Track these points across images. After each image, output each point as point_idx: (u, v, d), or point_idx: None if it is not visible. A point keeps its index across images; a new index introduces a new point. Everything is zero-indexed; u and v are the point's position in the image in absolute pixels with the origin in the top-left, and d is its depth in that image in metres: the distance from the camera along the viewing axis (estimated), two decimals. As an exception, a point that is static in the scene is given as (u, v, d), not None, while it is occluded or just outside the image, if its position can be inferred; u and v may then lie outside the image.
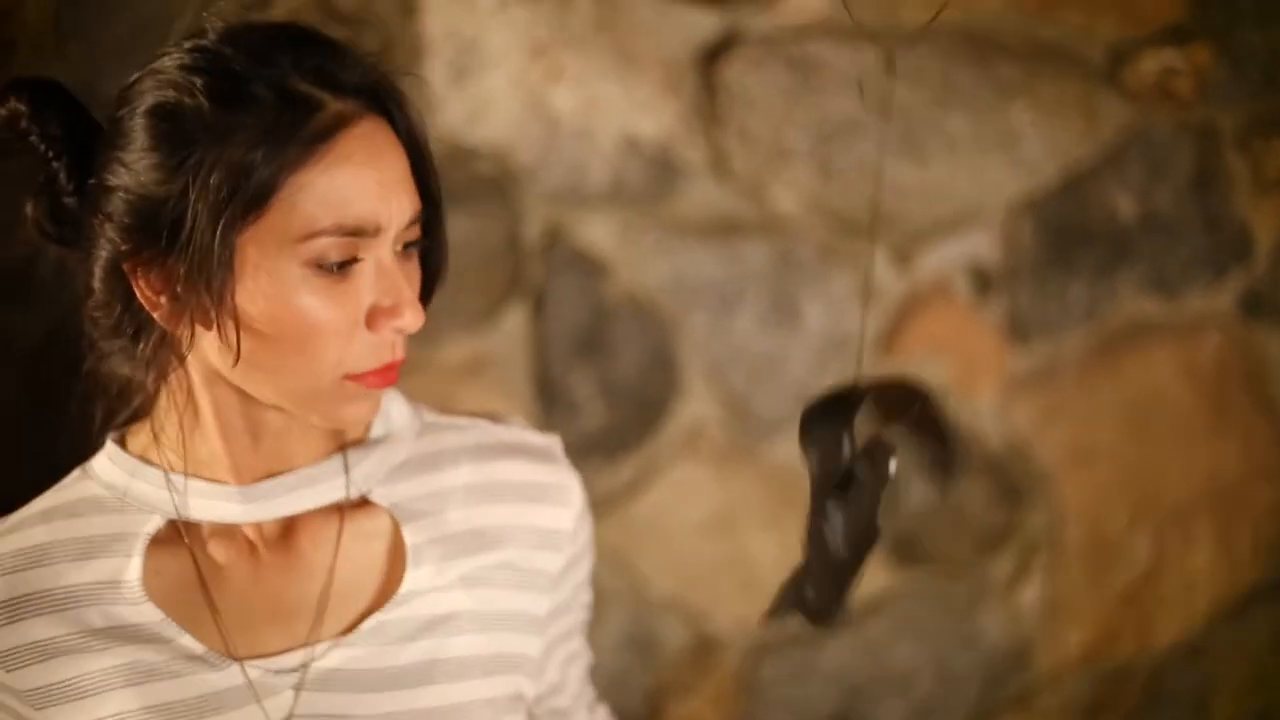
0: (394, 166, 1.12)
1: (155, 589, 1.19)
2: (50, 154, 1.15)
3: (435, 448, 1.27)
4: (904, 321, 2.23)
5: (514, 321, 2.10)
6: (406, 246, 1.15)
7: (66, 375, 1.26)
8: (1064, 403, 2.32)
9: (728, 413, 2.19)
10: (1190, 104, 2.28)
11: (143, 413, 1.24)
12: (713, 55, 2.10)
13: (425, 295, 1.20)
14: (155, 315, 1.13)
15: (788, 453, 2.22)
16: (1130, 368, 2.34)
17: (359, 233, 1.09)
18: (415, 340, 2.03)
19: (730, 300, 2.17)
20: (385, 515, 1.25)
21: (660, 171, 2.11)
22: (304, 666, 1.20)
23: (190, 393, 1.18)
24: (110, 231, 1.11)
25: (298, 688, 1.20)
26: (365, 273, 1.11)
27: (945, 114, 2.18)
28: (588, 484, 2.12)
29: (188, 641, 1.19)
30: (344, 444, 1.24)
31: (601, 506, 2.16)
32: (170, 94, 1.09)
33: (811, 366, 2.20)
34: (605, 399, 2.15)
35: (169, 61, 1.11)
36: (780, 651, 2.27)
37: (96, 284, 1.15)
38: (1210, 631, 2.45)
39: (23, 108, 1.15)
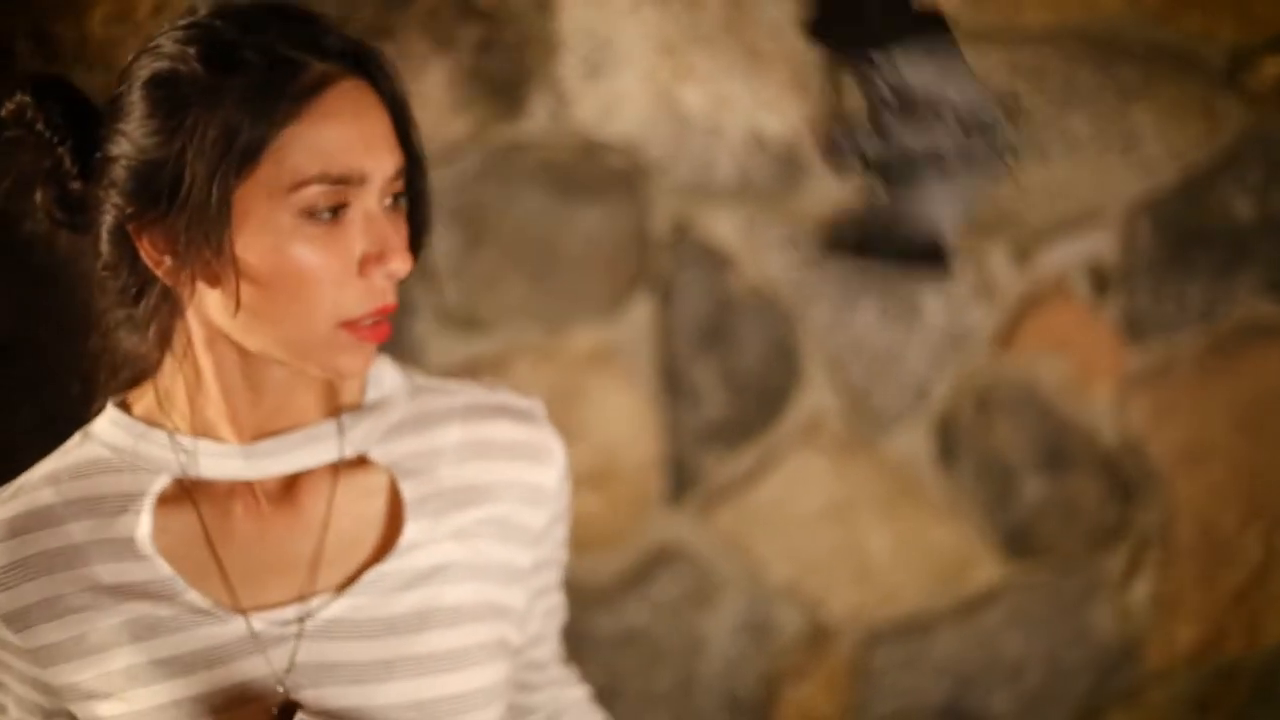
0: (376, 122, 1.19)
1: (163, 546, 1.25)
2: (55, 140, 1.21)
3: (427, 409, 1.34)
4: (1022, 319, 2.27)
5: (641, 312, 2.16)
6: (394, 200, 1.21)
7: (68, 355, 1.33)
8: (1179, 402, 2.34)
9: (847, 404, 2.23)
10: (1310, 108, 2.29)
11: (143, 379, 1.29)
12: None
13: (415, 247, 1.26)
14: (159, 273, 1.19)
15: (905, 445, 2.26)
16: (1245, 368, 2.36)
17: (345, 181, 1.16)
18: (544, 328, 2.11)
19: (852, 294, 2.21)
20: (383, 472, 1.31)
21: (785, 168, 2.15)
22: (305, 617, 1.26)
23: (192, 353, 1.23)
24: (115, 197, 1.18)
25: (299, 636, 1.26)
26: (354, 221, 1.18)
27: (1067, 114, 2.20)
28: (709, 472, 2.20)
29: (194, 596, 1.24)
30: (340, 407, 1.29)
31: (721, 494, 2.21)
32: (165, 64, 1.16)
33: (930, 361, 2.24)
34: (727, 389, 2.20)
35: (164, 38, 1.19)
36: (893, 640, 2.31)
37: (104, 249, 1.21)
38: (1320, 632, 2.46)
39: (28, 99, 1.22)
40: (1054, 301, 2.27)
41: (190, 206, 1.14)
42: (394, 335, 2.03)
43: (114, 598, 1.23)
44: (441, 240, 2.07)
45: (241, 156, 1.14)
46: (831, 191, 2.17)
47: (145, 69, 1.18)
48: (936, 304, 2.23)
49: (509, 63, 2.05)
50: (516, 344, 2.11)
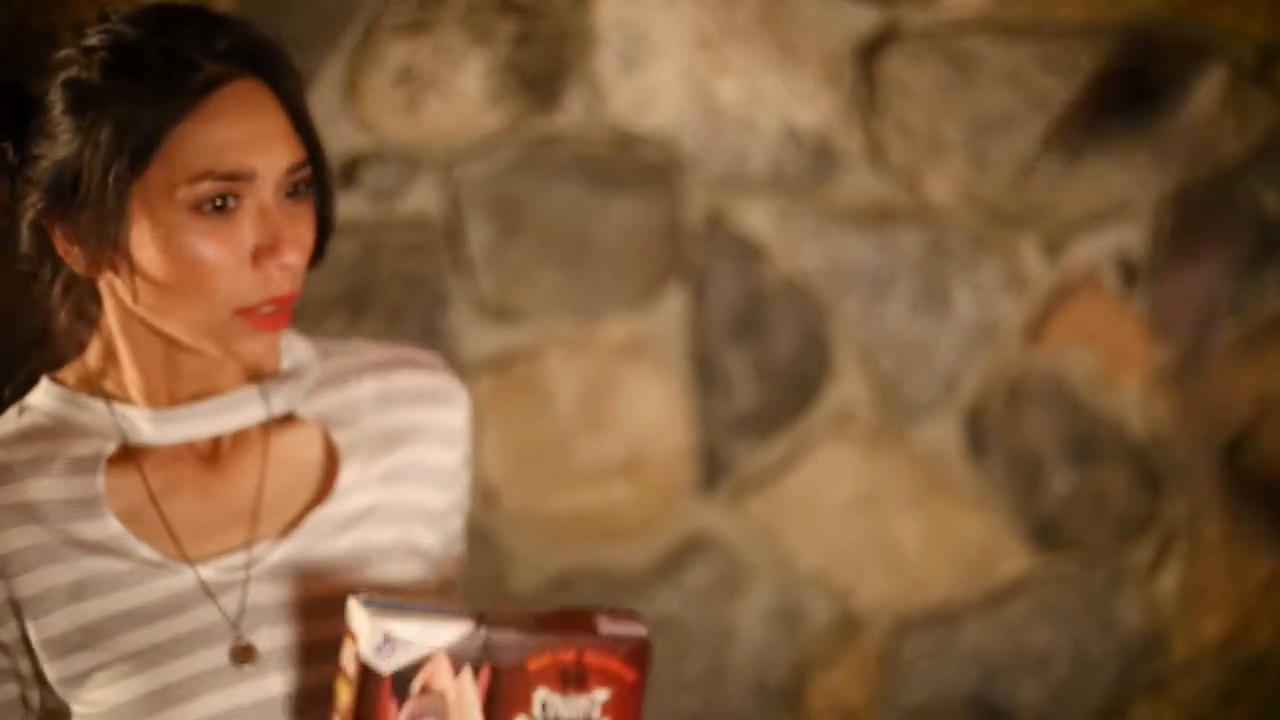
0: (269, 120, 1.24)
1: (114, 507, 1.31)
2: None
3: (340, 368, 1.41)
4: (1052, 311, 2.28)
5: (674, 302, 2.17)
6: (296, 191, 1.26)
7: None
8: (1206, 394, 2.36)
9: (878, 395, 2.25)
10: (1340, 103, 2.30)
11: (72, 356, 1.35)
12: (872, 49, 2.16)
13: (321, 238, 1.31)
14: (70, 263, 1.26)
15: (935, 436, 2.28)
16: (1273, 360, 2.37)
17: (234, 177, 1.21)
18: (578, 318, 2.13)
19: (883, 286, 2.23)
20: (313, 426, 1.38)
21: (819, 160, 2.17)
22: (252, 563, 1.33)
23: (110, 333, 1.31)
24: (31, 192, 1.24)
25: (247, 582, 1.32)
26: (247, 215, 1.23)
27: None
28: (740, 461, 2.21)
29: (145, 551, 1.30)
30: (259, 374, 1.36)
31: (752, 483, 2.23)
32: (74, 69, 1.23)
33: (960, 352, 2.26)
34: (759, 379, 2.22)
35: (80, 41, 1.25)
36: (921, 630, 2.32)
37: (22, 241, 1.28)
38: (1346, 625, 2.47)
39: None
40: (1084, 294, 2.29)
41: (90, 202, 1.21)
42: (430, 325, 2.07)
43: (75, 552, 1.28)
44: (477, 232, 2.09)
45: (134, 154, 1.20)
46: (863, 182, 2.19)
47: (60, 73, 1.24)
48: (967, 296, 2.24)
49: (545, 56, 2.07)
50: (550, 334, 2.13)
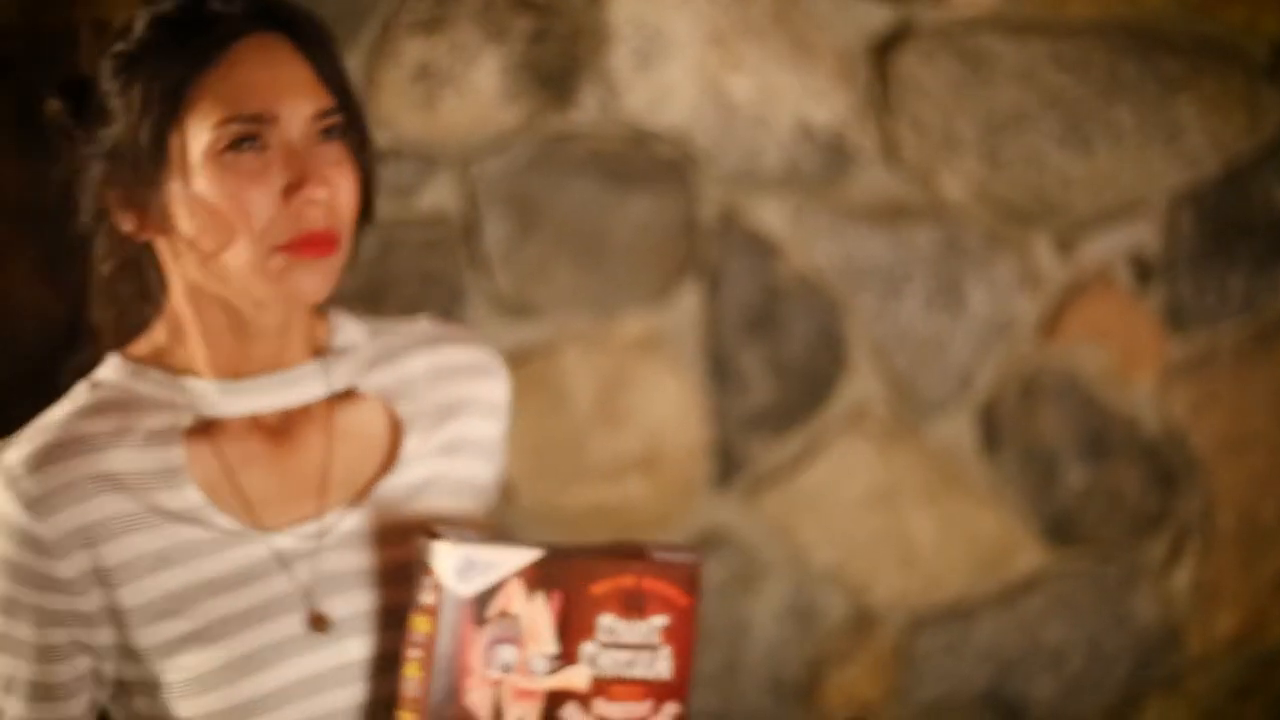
0: (289, 69, 1.30)
1: (194, 476, 1.34)
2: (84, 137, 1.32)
3: (390, 344, 1.45)
4: (1065, 308, 2.29)
5: (689, 299, 2.18)
6: (328, 137, 1.31)
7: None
8: (1220, 391, 2.36)
9: (892, 392, 2.26)
10: (1353, 100, 2.31)
11: (138, 332, 1.38)
12: (886, 47, 2.17)
13: (367, 187, 1.35)
14: (128, 231, 1.31)
15: (949, 432, 2.28)
16: (1287, 357, 2.38)
17: (256, 119, 1.27)
18: (593, 315, 2.14)
19: (897, 283, 2.24)
20: (374, 399, 1.42)
21: (833, 157, 2.19)
22: (324, 533, 1.36)
23: (176, 304, 1.35)
24: (91, 168, 1.31)
25: (319, 551, 1.36)
26: (275, 157, 1.28)
27: (1110, 106, 2.23)
28: (755, 458, 2.22)
29: (225, 521, 1.33)
30: (317, 351, 1.40)
31: (767, 479, 2.24)
32: (120, 44, 1.30)
33: (974, 349, 2.27)
34: (774, 375, 2.23)
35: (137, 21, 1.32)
36: (936, 626, 2.33)
37: (87, 218, 1.33)
38: (1360, 621, 2.48)
39: (57, 103, 1.33)
40: (1097, 291, 2.30)
41: (133, 161, 1.28)
42: (447, 321, 2.08)
43: (160, 520, 1.31)
44: (493, 228, 2.10)
45: (164, 106, 1.27)
46: (877, 180, 2.20)
47: (110, 53, 1.30)
48: (981, 293, 2.25)
49: (560, 53, 2.08)
50: (566, 330, 2.14)
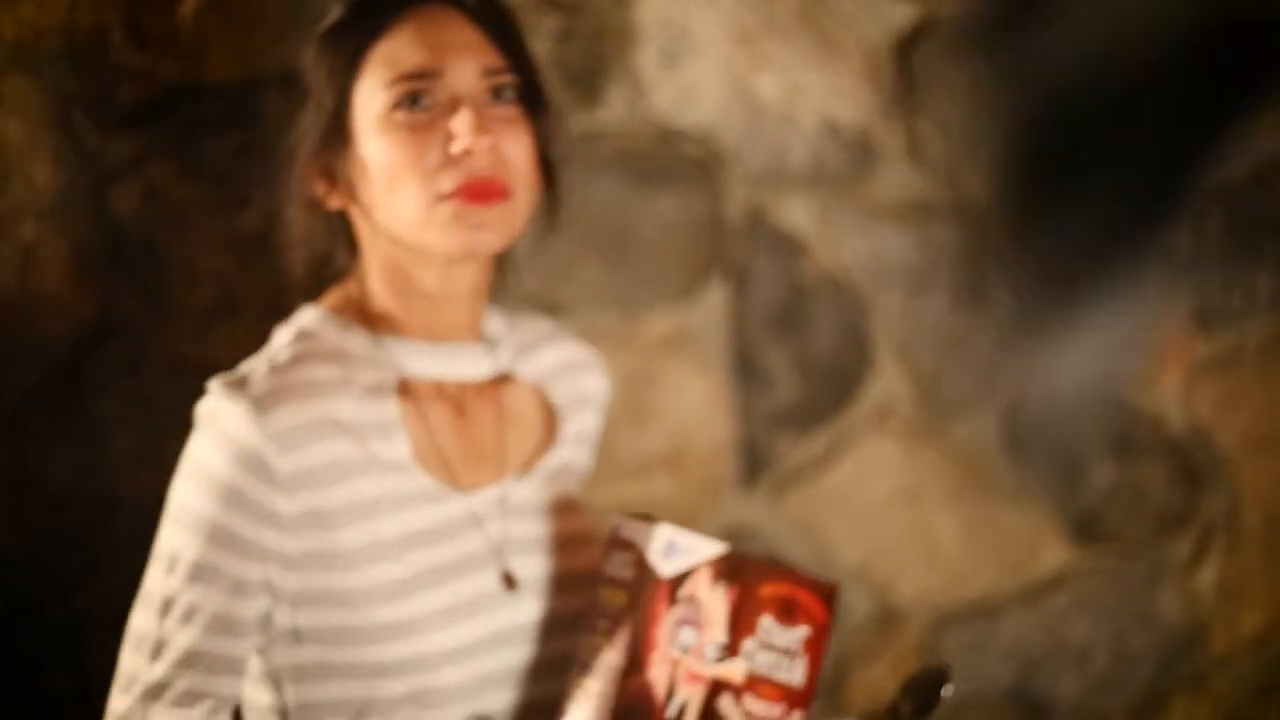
0: (456, 31, 1.40)
1: (406, 431, 1.41)
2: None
3: (525, 338, 1.56)
4: (1091, 306, 2.29)
5: (715, 297, 2.19)
6: (498, 95, 1.40)
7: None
8: (1246, 389, 2.36)
9: (917, 391, 2.26)
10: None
11: (333, 284, 1.47)
12: (911, 44, 2.17)
13: (545, 152, 1.44)
14: (320, 198, 1.43)
15: (974, 431, 2.28)
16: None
17: (421, 75, 1.37)
18: (620, 313, 2.14)
19: (923, 281, 2.24)
20: (528, 385, 1.53)
21: (858, 155, 2.19)
22: (503, 499, 1.45)
23: (366, 268, 1.45)
24: (296, 142, 1.44)
25: (504, 515, 1.45)
26: (441, 113, 1.37)
27: (1137, 104, 2.23)
28: (781, 456, 2.23)
29: (428, 478, 1.41)
30: (478, 335, 1.50)
31: (793, 477, 2.24)
32: (319, 28, 1.44)
33: (999, 348, 2.26)
34: (800, 374, 2.23)
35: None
36: (961, 624, 2.33)
37: (288, 187, 1.46)
38: (1385, 620, 2.47)
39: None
40: (1123, 289, 2.30)
41: (321, 127, 1.40)
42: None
43: (376, 469, 1.38)
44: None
45: (344, 74, 1.39)
46: (902, 178, 2.20)
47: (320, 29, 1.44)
48: (1006, 292, 2.25)
49: (587, 53, 2.09)
50: (592, 328, 2.14)
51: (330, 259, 1.46)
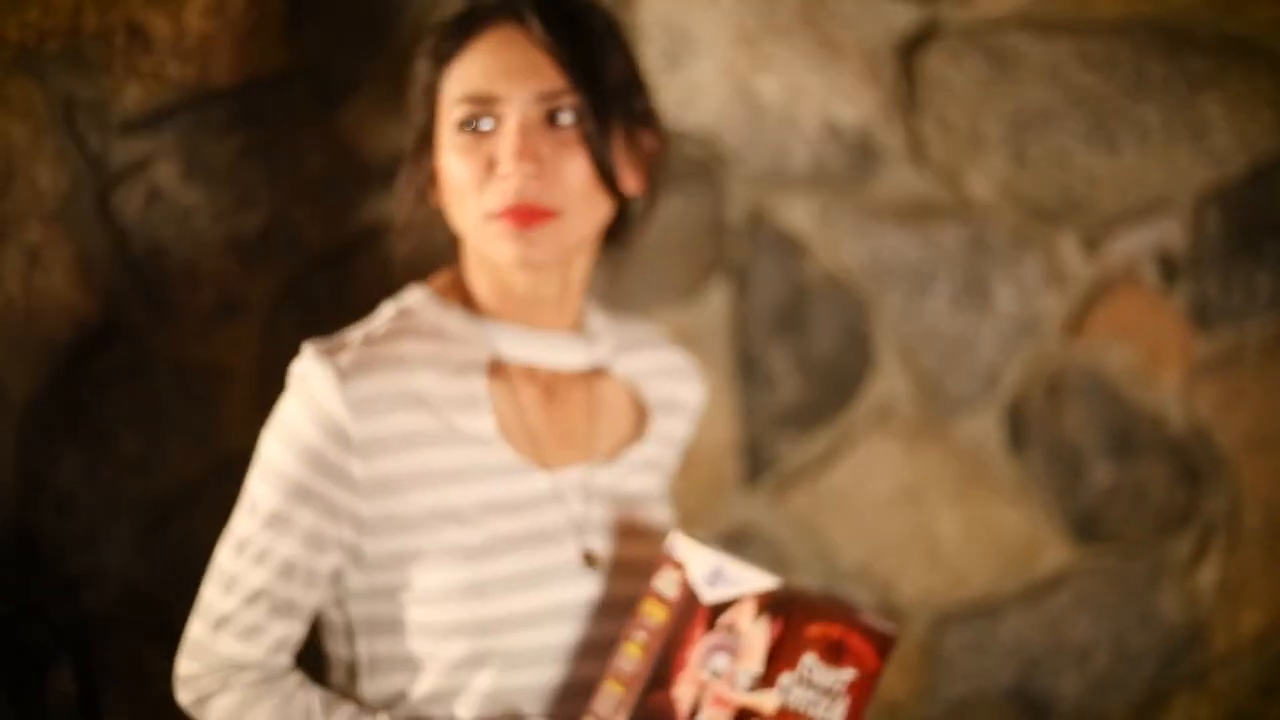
0: (519, 54, 1.47)
1: (493, 408, 1.49)
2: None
3: (626, 338, 1.65)
4: (1092, 306, 2.29)
5: (717, 298, 2.20)
6: (554, 120, 1.47)
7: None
8: (1246, 389, 2.36)
9: (919, 390, 2.26)
10: (1380, 98, 2.30)
11: (439, 269, 1.60)
12: (912, 46, 2.18)
13: (605, 170, 1.49)
14: (427, 195, 1.55)
15: (976, 431, 2.29)
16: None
17: (483, 100, 1.46)
18: (623, 313, 2.14)
19: (924, 281, 2.25)
20: (620, 381, 1.62)
21: (860, 156, 2.19)
22: (588, 481, 1.53)
23: (464, 257, 1.56)
24: (409, 149, 1.56)
25: (588, 497, 1.52)
26: (499, 137, 1.46)
27: (1137, 104, 2.23)
28: (783, 455, 2.23)
29: (511, 453, 1.48)
30: (577, 327, 1.59)
31: (795, 477, 2.25)
32: (426, 35, 1.56)
33: (1001, 347, 2.27)
34: (802, 373, 2.24)
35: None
36: (962, 623, 2.34)
37: (409, 179, 1.57)
38: (1385, 618, 2.48)
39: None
40: (1123, 289, 2.30)
41: (416, 127, 1.53)
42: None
43: (455, 439, 1.46)
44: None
45: (427, 90, 1.51)
46: (904, 179, 2.21)
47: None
48: (1007, 291, 2.26)
49: (589, 54, 2.09)
50: (595, 329, 2.15)
51: (431, 247, 1.57)
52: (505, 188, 1.44)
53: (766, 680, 1.40)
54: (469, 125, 1.47)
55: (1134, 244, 2.29)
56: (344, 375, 1.42)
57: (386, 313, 1.53)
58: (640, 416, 1.63)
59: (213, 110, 1.89)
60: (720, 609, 1.40)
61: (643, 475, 1.60)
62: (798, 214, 2.20)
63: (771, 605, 1.40)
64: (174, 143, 1.87)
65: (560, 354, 1.55)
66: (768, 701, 1.40)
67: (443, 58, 1.50)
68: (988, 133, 2.21)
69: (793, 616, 1.40)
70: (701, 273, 2.19)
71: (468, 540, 1.44)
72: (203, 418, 1.94)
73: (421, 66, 1.52)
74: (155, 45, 1.85)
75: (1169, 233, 2.29)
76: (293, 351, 1.53)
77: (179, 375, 1.93)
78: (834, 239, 2.22)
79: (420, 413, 1.45)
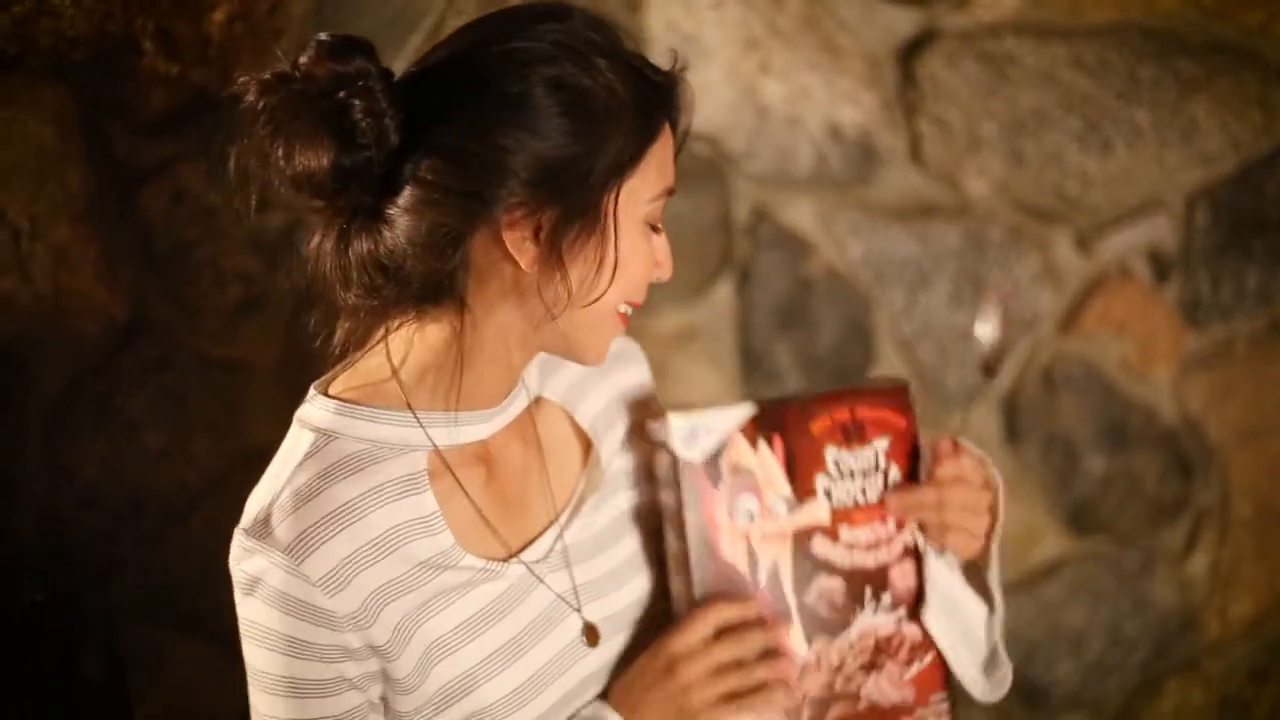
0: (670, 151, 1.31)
1: (446, 518, 1.29)
2: (389, 110, 1.22)
3: (546, 354, 1.40)
4: (1085, 303, 2.32)
5: (723, 294, 2.23)
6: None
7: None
8: (1236, 382, 2.39)
9: (918, 384, 2.26)
10: (1365, 100, 2.32)
11: (337, 363, 1.33)
12: (912, 51, 2.20)
13: None
14: (520, 258, 1.23)
15: (974, 423, 2.32)
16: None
17: (671, 194, 1.30)
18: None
19: (924, 278, 2.28)
20: (557, 407, 1.41)
21: (861, 157, 2.22)
22: (558, 543, 1.35)
23: (465, 334, 1.27)
24: (496, 185, 1.21)
25: (567, 564, 1.35)
26: (659, 230, 1.31)
27: (1129, 107, 2.26)
28: (787, 449, 2.25)
29: (475, 562, 1.30)
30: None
31: (798, 469, 2.28)
32: (571, 70, 1.22)
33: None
34: (804, 368, 2.26)
35: (547, 40, 1.24)
36: (961, 610, 2.36)
37: (408, 229, 1.22)
38: (1372, 606, 2.50)
39: (372, 67, 1.24)
40: (1116, 286, 2.33)
41: (577, 201, 1.22)
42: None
43: (425, 572, 1.27)
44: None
45: (627, 164, 1.24)
46: (903, 179, 2.24)
47: (545, 70, 1.22)
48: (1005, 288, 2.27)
49: (598, 58, 2.11)
50: (604, 326, 2.16)
51: (430, 281, 1.26)
52: (645, 289, 1.31)
53: (801, 495, 1.32)
54: (658, 222, 1.30)
55: (1126, 242, 2.32)
56: (297, 556, 1.22)
57: (302, 445, 1.28)
58: (585, 440, 1.42)
59: (235, 113, 1.91)
60: (714, 461, 1.31)
61: (610, 499, 1.41)
62: (801, 213, 2.23)
63: (763, 427, 1.31)
64: (198, 145, 1.87)
65: (506, 414, 1.34)
66: (816, 512, 1.33)
67: (652, 131, 1.25)
68: (985, 134, 2.24)
69: (789, 426, 1.32)
70: (708, 270, 2.22)
71: (469, 661, 1.30)
72: (226, 412, 1.94)
73: (615, 138, 1.23)
74: (180, 51, 1.87)
75: (1160, 231, 2.32)
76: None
77: (203, 371, 1.93)
78: (836, 237, 2.25)
79: (383, 561, 1.25)
